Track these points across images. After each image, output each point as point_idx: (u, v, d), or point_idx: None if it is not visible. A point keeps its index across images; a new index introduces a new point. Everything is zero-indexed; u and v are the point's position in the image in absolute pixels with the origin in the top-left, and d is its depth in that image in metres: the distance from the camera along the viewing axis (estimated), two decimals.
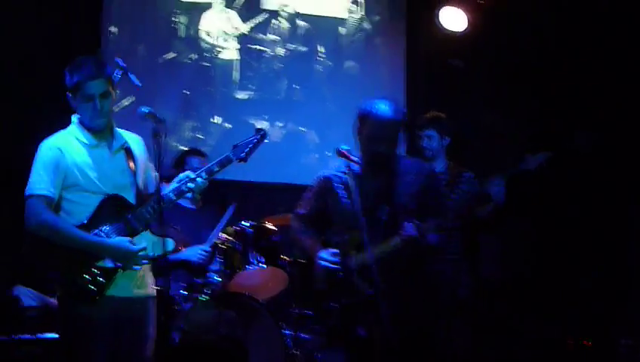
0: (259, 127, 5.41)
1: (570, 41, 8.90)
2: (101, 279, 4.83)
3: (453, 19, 8.88)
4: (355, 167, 5.41)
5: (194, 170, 7.36)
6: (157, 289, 5.32)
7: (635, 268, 8.62)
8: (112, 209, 4.92)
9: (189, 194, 5.13)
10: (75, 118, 5.08)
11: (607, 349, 8.17)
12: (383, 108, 5.32)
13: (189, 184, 5.06)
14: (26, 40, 7.89)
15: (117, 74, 6.84)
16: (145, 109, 4.86)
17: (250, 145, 5.27)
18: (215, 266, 7.13)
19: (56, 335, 6.18)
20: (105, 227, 4.88)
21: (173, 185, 5.13)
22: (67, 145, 4.95)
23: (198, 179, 5.10)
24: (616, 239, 8.72)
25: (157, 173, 5.11)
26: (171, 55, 8.82)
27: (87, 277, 4.81)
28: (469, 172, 7.06)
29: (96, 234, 4.85)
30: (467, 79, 9.29)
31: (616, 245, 8.70)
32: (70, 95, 4.96)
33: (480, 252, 7.61)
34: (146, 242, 4.96)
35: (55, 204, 4.87)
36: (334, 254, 5.34)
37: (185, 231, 7.00)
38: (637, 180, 8.59)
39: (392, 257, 5.15)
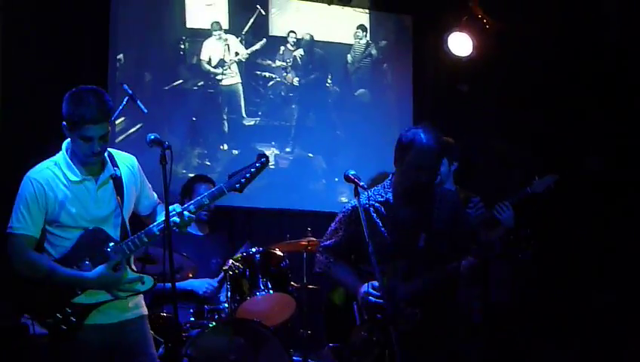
0: (261, 152, 5.29)
1: (577, 65, 8.90)
2: (73, 318, 4.82)
3: (460, 44, 8.89)
4: (384, 194, 5.42)
5: None
6: (164, 316, 5.31)
7: None
8: (92, 242, 4.89)
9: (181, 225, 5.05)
10: (66, 145, 5.01)
11: None
12: (427, 137, 5.32)
13: (174, 218, 4.95)
14: (34, 67, 7.90)
15: (124, 101, 6.87)
16: (151, 136, 4.85)
17: (247, 175, 5.15)
18: (223, 293, 7.12)
19: None
20: (85, 262, 4.85)
21: (160, 218, 5.07)
22: (51, 180, 4.89)
23: (185, 213, 5.00)
24: (628, 261, 8.67)
25: (155, 194, 5.14)
26: (178, 82, 8.82)
27: (58, 316, 4.80)
28: (476, 196, 7.06)
29: (78, 267, 4.84)
30: (474, 103, 9.30)
31: (628, 268, 8.65)
32: (66, 125, 4.86)
33: (489, 277, 7.58)
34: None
35: (39, 239, 4.86)
36: (377, 288, 5.27)
37: (193, 257, 7.00)
38: None
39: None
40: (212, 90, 8.96)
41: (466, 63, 8.99)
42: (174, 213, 4.97)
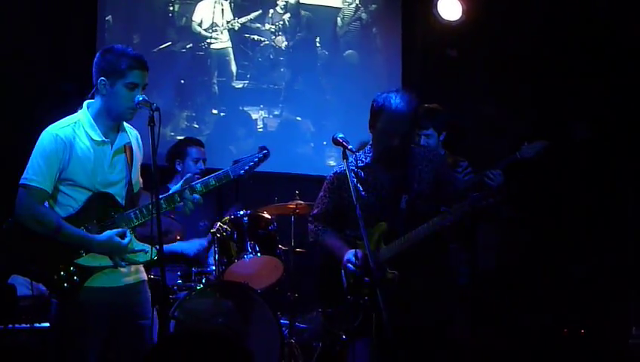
0: (262, 145, 5.33)
1: (566, 30, 8.89)
2: (76, 278, 4.82)
3: (449, 9, 8.86)
4: (364, 159, 5.43)
5: (194, 160, 7.41)
6: (152, 279, 5.32)
7: (634, 257, 8.63)
8: (99, 206, 4.89)
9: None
10: (88, 104, 4.99)
11: (602, 338, 8.18)
12: (397, 101, 5.28)
13: (185, 193, 5.03)
14: (22, 29, 7.87)
15: None
16: (139, 97, 4.83)
17: (251, 164, 5.20)
18: (211, 255, 7.14)
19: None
20: (91, 226, 4.85)
21: (176, 187, 5.09)
22: (73, 139, 4.87)
23: (195, 195, 5.06)
24: (615, 229, 8.72)
25: (141, 180, 5.18)
26: (167, 44, 8.79)
27: (62, 274, 4.80)
28: (464, 160, 7.08)
29: (85, 229, 4.84)
30: (463, 68, 9.29)
31: (614, 235, 8.70)
32: (105, 80, 4.88)
33: (477, 242, 7.62)
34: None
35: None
36: (359, 257, 5.28)
37: (180, 220, 7.00)
38: (633, 169, 8.60)
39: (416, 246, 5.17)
40: (201, 53, 8.93)
41: (455, 28, 8.96)
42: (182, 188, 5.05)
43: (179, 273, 7.03)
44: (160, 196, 4.86)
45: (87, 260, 4.83)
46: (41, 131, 4.91)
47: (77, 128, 4.91)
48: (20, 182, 4.79)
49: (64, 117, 4.99)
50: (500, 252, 8.98)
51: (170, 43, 8.81)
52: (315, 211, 5.72)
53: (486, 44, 9.20)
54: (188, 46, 8.89)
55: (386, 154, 5.32)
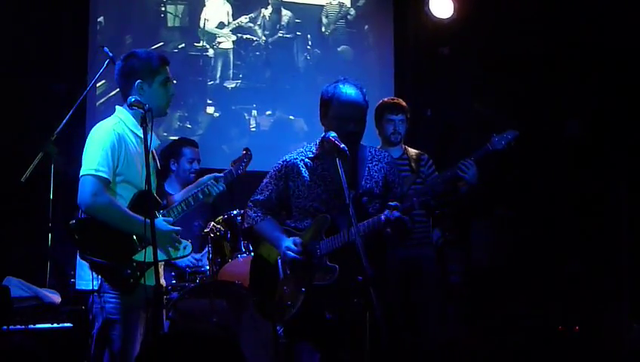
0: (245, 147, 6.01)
1: (558, 27, 8.90)
2: (138, 273, 4.92)
3: (441, 6, 8.88)
4: (315, 150, 5.42)
5: (188, 160, 7.45)
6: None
7: (627, 254, 8.65)
8: (144, 205, 4.90)
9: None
10: (123, 108, 5.10)
11: (597, 335, 8.21)
12: (347, 87, 5.31)
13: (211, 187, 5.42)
14: (15, 30, 7.87)
15: (105, 64, 6.86)
16: (132, 98, 4.86)
17: (243, 165, 5.97)
18: (205, 255, 7.15)
19: (47, 326, 6.24)
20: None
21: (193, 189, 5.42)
22: (124, 134, 4.99)
23: (220, 185, 5.45)
24: (608, 226, 8.74)
25: None
26: (159, 44, 8.80)
27: (129, 270, 4.91)
28: (424, 154, 7.12)
29: None
30: (455, 66, 9.30)
31: (607, 232, 8.72)
32: (141, 82, 5.02)
33: (470, 239, 7.64)
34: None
35: None
36: (298, 244, 5.28)
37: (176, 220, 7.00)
38: (626, 166, 8.61)
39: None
40: (193, 53, 8.94)
41: (447, 26, 8.98)
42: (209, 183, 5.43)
43: (173, 273, 7.03)
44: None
45: (140, 256, 4.89)
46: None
47: (123, 125, 5.04)
48: (86, 172, 4.83)
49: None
50: (493, 250, 8.99)
51: (162, 43, 8.82)
52: (258, 197, 5.58)
53: (478, 41, 9.22)
54: (180, 46, 8.90)
55: (345, 140, 5.26)
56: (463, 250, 7.55)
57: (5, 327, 6.22)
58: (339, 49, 9.44)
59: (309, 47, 9.33)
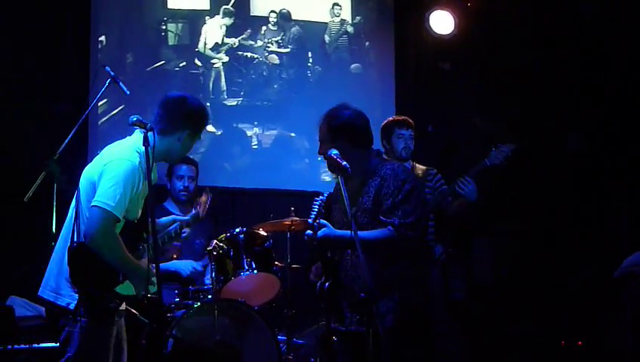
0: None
1: (558, 42, 8.93)
2: (117, 302, 4.91)
3: (442, 23, 8.90)
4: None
5: (178, 178, 7.46)
6: (149, 297, 5.33)
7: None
8: (130, 238, 4.90)
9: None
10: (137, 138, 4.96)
11: (600, 348, 8.19)
12: (359, 112, 5.50)
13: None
14: (16, 50, 7.89)
15: (106, 83, 6.88)
16: (133, 118, 4.84)
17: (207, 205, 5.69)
18: (208, 273, 7.15)
19: (51, 345, 6.24)
20: None
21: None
22: (139, 171, 4.90)
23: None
24: (609, 240, 8.73)
25: None
26: (160, 63, 8.82)
27: (114, 302, 4.89)
28: (433, 169, 7.14)
29: None
30: (456, 81, 9.32)
31: (609, 246, 8.71)
32: (188, 134, 5.03)
33: (472, 255, 7.63)
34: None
35: None
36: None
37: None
38: (627, 180, 8.62)
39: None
40: (194, 71, 8.96)
41: (448, 41, 9.00)
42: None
43: (176, 291, 7.02)
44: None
45: (122, 288, 4.86)
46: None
47: (141, 160, 4.90)
48: (102, 206, 4.72)
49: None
50: (496, 265, 8.99)
51: (163, 62, 8.84)
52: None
53: (479, 57, 9.23)
54: (181, 65, 8.93)
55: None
56: (465, 266, 7.53)
57: (10, 346, 6.23)
58: (338, 68, 9.44)
59: (310, 63, 9.34)
